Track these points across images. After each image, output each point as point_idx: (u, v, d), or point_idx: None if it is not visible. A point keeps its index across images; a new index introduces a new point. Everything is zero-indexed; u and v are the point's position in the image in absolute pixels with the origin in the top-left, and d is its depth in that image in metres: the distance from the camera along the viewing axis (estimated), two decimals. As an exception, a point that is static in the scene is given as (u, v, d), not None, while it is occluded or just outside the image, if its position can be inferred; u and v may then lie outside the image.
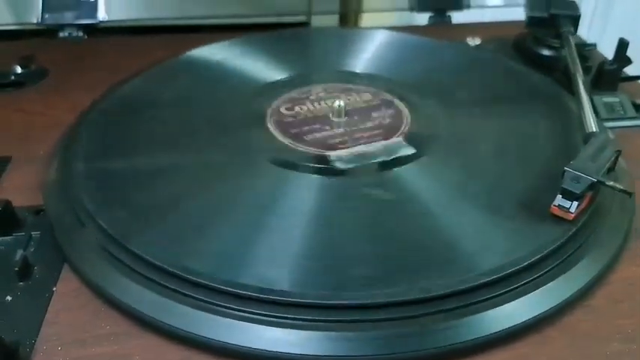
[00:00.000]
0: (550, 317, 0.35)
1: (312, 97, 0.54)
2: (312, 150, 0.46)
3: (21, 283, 0.37)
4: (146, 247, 0.36)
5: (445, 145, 0.47)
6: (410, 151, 0.46)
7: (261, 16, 0.81)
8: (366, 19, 1.01)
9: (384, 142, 0.47)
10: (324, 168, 0.44)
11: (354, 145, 0.47)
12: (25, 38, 0.75)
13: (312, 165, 0.44)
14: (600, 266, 0.38)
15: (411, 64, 0.59)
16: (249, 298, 0.34)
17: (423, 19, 0.96)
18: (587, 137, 0.44)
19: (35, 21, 0.72)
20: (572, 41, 0.58)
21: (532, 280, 0.35)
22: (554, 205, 0.39)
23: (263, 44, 0.63)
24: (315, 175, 0.43)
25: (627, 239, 0.41)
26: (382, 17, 0.98)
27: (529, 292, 0.35)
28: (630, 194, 0.39)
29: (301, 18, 0.83)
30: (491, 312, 0.34)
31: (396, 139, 0.47)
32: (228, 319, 0.33)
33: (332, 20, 0.86)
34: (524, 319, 0.34)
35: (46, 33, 0.74)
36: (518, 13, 0.69)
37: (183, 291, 0.34)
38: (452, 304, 0.34)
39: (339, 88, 0.55)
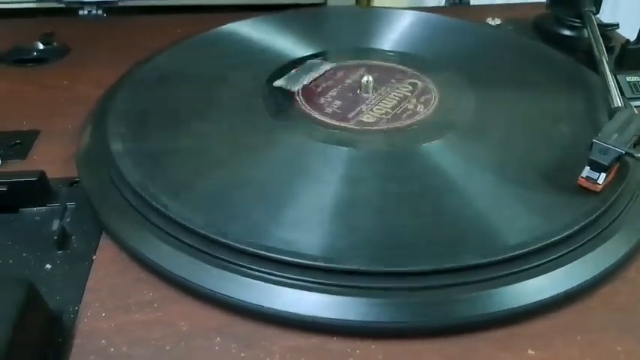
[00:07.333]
0: (589, 288, 0.35)
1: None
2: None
3: (59, 252, 0.37)
4: (185, 213, 0.37)
5: (473, 122, 0.47)
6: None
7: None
8: (378, 1, 1.01)
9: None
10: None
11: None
12: (45, 16, 0.74)
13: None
14: (637, 238, 0.38)
15: (441, 45, 0.59)
16: (287, 264, 0.34)
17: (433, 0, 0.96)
18: (613, 112, 0.44)
19: (55, -2, 0.71)
20: (595, 21, 0.58)
21: (570, 251, 0.35)
22: (582, 177, 0.39)
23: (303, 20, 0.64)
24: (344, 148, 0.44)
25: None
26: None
27: (568, 263, 0.35)
28: None
29: (318, -2, 0.82)
30: (530, 282, 0.34)
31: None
32: (267, 284, 0.33)
33: (348, 1, 0.86)
34: (564, 289, 0.34)
35: (64, 11, 0.73)
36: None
37: (223, 257, 0.35)
38: (493, 274, 0.34)
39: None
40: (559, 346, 0.32)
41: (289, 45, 0.58)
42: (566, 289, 0.34)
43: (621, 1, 1.11)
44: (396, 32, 0.61)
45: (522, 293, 0.34)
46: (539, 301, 0.33)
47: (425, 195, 0.40)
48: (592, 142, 0.39)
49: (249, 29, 0.61)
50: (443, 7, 0.78)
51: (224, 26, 0.60)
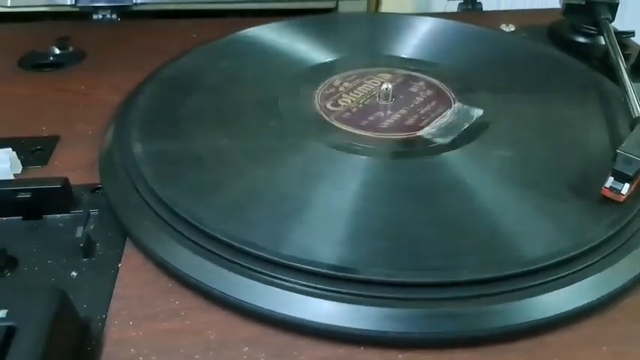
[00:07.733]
0: (612, 300, 0.35)
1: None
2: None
3: (85, 260, 0.37)
4: (211, 221, 0.37)
5: (492, 131, 0.47)
6: (479, 111, 0.49)
7: (288, 2, 0.81)
8: (385, 5, 1.02)
9: (450, 110, 0.50)
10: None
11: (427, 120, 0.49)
12: (54, 20, 0.75)
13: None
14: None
15: (460, 52, 0.59)
16: (316, 274, 0.34)
17: (439, 5, 0.96)
18: (634, 122, 0.45)
19: (69, 2, 0.71)
20: (612, 28, 0.58)
21: (594, 263, 0.36)
22: (606, 187, 0.39)
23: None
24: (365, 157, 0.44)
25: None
26: (401, 3, 0.99)
27: (592, 275, 0.35)
28: None
29: (329, 4, 0.83)
30: (554, 294, 0.34)
31: (459, 105, 0.50)
32: (297, 295, 0.33)
33: (359, 6, 0.86)
34: (588, 301, 0.34)
35: (75, 15, 0.74)
36: (548, 2, 0.70)
37: (251, 266, 0.35)
38: (516, 286, 0.34)
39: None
40: (585, 356, 0.32)
41: (310, 50, 0.59)
42: (589, 300, 0.34)
43: (629, 6, 1.11)
44: (415, 39, 0.61)
45: (547, 305, 0.34)
46: (564, 312, 0.34)
47: (445, 205, 0.40)
48: (616, 153, 0.40)
49: (273, 34, 0.61)
50: (456, 12, 0.78)
51: (246, 30, 0.61)
